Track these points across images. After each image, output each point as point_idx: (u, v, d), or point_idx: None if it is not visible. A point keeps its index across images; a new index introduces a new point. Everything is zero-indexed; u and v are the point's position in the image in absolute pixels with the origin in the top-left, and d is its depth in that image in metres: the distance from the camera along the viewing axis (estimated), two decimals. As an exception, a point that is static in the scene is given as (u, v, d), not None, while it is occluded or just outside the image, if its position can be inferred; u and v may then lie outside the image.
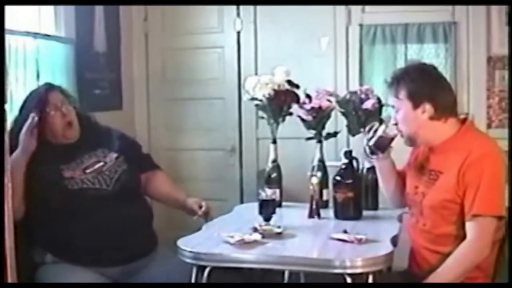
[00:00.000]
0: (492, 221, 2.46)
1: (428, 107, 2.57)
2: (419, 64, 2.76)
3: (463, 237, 2.49)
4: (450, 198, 2.53)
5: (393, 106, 2.69)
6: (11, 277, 2.15)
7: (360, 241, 2.60)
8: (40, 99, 2.93)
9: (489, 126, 4.22)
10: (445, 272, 2.46)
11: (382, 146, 2.82)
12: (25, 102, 2.98)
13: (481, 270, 2.52)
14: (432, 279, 2.46)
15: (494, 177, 2.48)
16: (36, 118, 2.75)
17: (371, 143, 2.82)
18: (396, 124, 2.69)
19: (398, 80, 2.64)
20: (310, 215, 3.10)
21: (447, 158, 2.58)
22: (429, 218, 2.62)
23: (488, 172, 2.47)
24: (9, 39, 3.26)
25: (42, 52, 3.62)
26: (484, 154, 2.51)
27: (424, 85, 2.60)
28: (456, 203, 2.52)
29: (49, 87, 3.03)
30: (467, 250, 2.47)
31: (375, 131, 2.81)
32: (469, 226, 2.47)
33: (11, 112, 2.98)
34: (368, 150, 2.85)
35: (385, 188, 2.94)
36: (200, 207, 3.15)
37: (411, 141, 2.71)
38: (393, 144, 2.80)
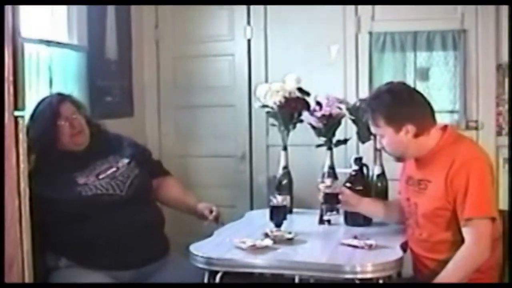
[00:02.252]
0: (487, 223, 2.49)
1: (410, 127, 2.60)
2: (388, 87, 2.74)
3: (461, 242, 2.51)
4: (441, 205, 2.56)
5: (375, 134, 2.72)
6: (28, 281, 2.18)
7: (370, 247, 2.62)
8: (53, 112, 2.97)
9: (499, 133, 4.22)
10: (446, 277, 2.48)
11: (331, 202, 2.86)
12: (35, 109, 3.01)
13: (480, 272, 2.53)
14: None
15: (481, 180, 2.51)
16: None
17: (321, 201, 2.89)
18: (382, 148, 2.74)
19: (372, 109, 2.66)
20: (321, 221, 3.12)
21: (433, 167, 2.61)
22: (425, 228, 2.65)
23: (474, 176, 2.49)
24: (22, 47, 3.29)
25: (55, 60, 3.66)
26: (468, 159, 2.54)
27: (400, 108, 2.61)
28: (448, 210, 2.55)
29: (61, 99, 3.07)
30: (466, 254, 2.49)
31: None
32: (465, 231, 2.50)
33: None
34: (324, 210, 2.89)
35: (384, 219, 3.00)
36: (211, 212, 3.18)
37: (399, 159, 2.76)
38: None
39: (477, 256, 2.48)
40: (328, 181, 3.02)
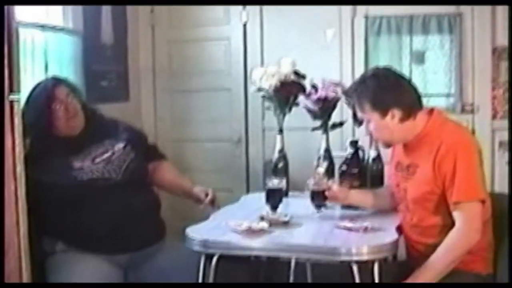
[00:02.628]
0: (477, 206, 2.50)
1: (396, 112, 2.60)
2: (373, 72, 2.76)
3: (452, 226, 2.53)
4: (429, 189, 2.57)
5: (361, 119, 2.72)
6: (25, 265, 2.19)
7: (365, 229, 2.63)
8: (47, 95, 2.96)
9: (494, 117, 4.24)
10: (435, 261, 2.49)
11: (319, 200, 2.87)
12: (31, 94, 2.99)
13: (473, 254, 2.54)
14: (424, 268, 2.50)
15: (469, 163, 2.52)
16: None
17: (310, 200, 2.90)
18: (370, 134, 2.74)
19: (358, 94, 2.67)
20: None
21: (421, 151, 2.62)
22: (415, 212, 2.66)
23: (461, 159, 2.50)
24: (17, 30, 3.28)
25: (50, 44, 3.65)
26: (455, 143, 2.54)
27: (386, 93, 2.62)
28: (436, 194, 2.56)
29: (56, 82, 3.06)
30: (455, 237, 2.50)
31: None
32: (455, 215, 2.51)
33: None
34: (314, 207, 2.91)
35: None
36: (206, 195, 3.18)
37: (387, 144, 2.77)
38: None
39: (467, 239, 2.49)
40: (320, 170, 3.02)
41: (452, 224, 2.52)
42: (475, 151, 2.57)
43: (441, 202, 2.56)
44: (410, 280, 2.48)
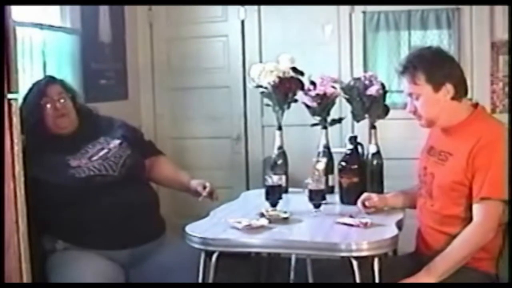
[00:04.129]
0: (499, 205, 2.49)
1: (449, 87, 2.57)
2: (429, 47, 2.74)
3: (470, 219, 2.52)
4: (459, 180, 2.55)
5: (410, 94, 2.64)
6: (25, 263, 2.19)
7: (365, 225, 2.62)
8: (39, 92, 3.00)
9: (493, 111, 4.23)
10: (452, 253, 2.48)
11: (317, 198, 2.88)
12: (28, 93, 3.02)
13: (486, 251, 2.55)
14: (440, 260, 2.48)
15: (503, 162, 2.50)
16: None
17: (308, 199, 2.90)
18: (414, 112, 2.67)
19: (414, 65, 2.60)
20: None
21: (457, 140, 2.60)
22: (438, 199, 2.64)
23: (497, 157, 2.49)
24: (14, 29, 3.28)
25: (48, 43, 3.65)
26: (494, 140, 2.53)
27: (443, 66, 2.59)
28: (465, 186, 2.54)
29: (50, 80, 3.10)
30: (474, 232, 2.49)
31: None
32: (476, 208, 2.50)
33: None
34: (312, 206, 2.91)
35: None
36: (205, 187, 3.19)
37: (429, 123, 2.69)
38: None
39: (484, 235, 2.49)
40: (320, 164, 3.02)
41: (470, 218, 2.52)
42: (509, 152, 2.57)
43: (466, 194, 2.54)
44: (424, 271, 2.48)
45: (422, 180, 2.76)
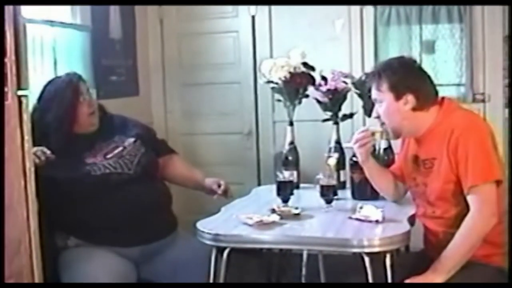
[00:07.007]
0: (491, 187, 2.47)
1: (410, 98, 2.61)
2: (399, 57, 2.81)
3: None
4: (449, 179, 2.55)
5: (375, 99, 2.72)
6: (36, 260, 2.19)
7: (377, 220, 2.61)
8: (72, 89, 2.95)
9: (507, 105, 4.20)
10: (456, 248, 2.46)
11: (327, 195, 2.87)
12: (43, 90, 2.99)
13: (497, 246, 2.52)
14: (445, 257, 2.46)
15: (481, 146, 2.50)
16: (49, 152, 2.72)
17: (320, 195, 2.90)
18: (378, 117, 2.73)
19: (380, 73, 2.68)
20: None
21: (435, 143, 2.61)
22: (437, 205, 2.64)
23: (473, 144, 2.49)
24: (24, 26, 3.28)
25: (58, 40, 3.66)
26: (466, 127, 2.53)
27: (406, 77, 2.64)
28: (456, 183, 2.54)
29: (80, 77, 3.05)
30: (473, 221, 2.47)
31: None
32: (470, 199, 2.49)
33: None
34: (324, 201, 2.90)
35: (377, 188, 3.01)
36: (219, 185, 3.20)
37: (395, 133, 2.74)
38: None
39: (483, 222, 2.46)
40: (332, 159, 3.01)
41: None
42: (487, 134, 2.56)
43: (460, 190, 2.54)
44: (429, 272, 2.45)
45: (414, 191, 2.78)
